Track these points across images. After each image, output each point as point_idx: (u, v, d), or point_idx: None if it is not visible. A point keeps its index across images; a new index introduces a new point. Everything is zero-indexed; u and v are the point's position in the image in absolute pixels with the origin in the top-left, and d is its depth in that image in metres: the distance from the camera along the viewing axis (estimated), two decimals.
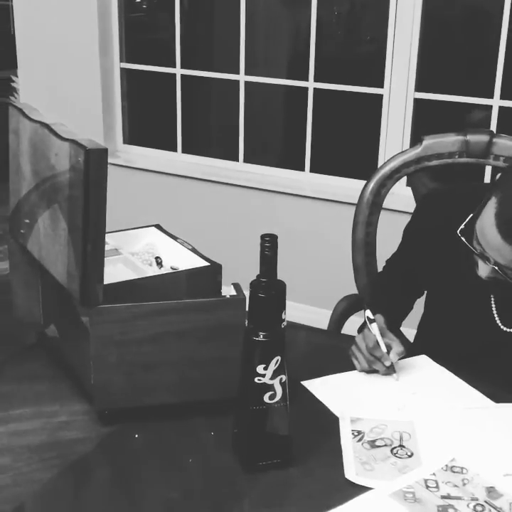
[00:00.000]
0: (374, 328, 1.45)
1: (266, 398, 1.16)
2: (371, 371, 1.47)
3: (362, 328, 1.52)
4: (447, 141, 1.90)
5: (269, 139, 4.08)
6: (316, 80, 3.20)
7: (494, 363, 1.51)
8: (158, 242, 1.51)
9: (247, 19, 3.34)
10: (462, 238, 1.41)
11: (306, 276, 3.35)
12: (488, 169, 2.92)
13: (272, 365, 1.15)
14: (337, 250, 2.84)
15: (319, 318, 2.38)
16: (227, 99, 3.51)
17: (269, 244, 1.29)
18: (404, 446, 1.26)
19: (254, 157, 3.51)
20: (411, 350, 1.68)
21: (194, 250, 1.44)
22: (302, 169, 3.36)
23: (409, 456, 1.24)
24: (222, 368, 1.28)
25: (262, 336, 1.15)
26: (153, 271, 1.40)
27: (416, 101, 3.01)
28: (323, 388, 1.43)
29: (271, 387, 1.16)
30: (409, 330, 1.81)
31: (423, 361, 1.55)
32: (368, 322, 1.46)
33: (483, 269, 1.40)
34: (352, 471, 1.19)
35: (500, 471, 1.20)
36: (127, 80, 3.68)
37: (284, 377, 1.16)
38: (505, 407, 1.39)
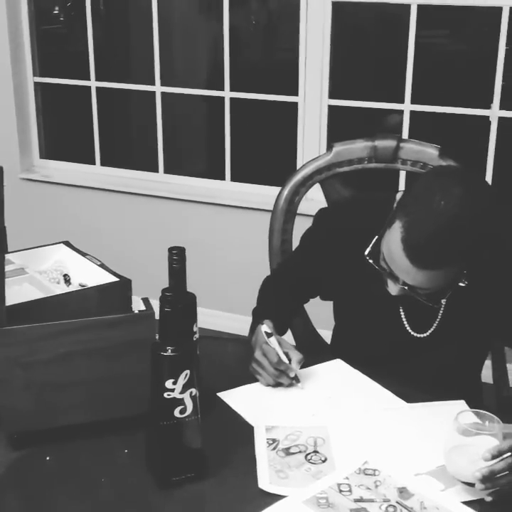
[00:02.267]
0: (273, 342, 1.46)
1: (176, 413, 1.15)
2: (276, 384, 1.47)
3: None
4: (356, 147, 1.93)
5: (190, 149, 4.08)
6: (236, 89, 3.21)
7: (406, 366, 1.54)
8: (66, 259, 1.48)
9: (165, 30, 3.33)
10: (370, 261, 1.43)
11: (230, 285, 3.35)
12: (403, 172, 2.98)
13: (181, 380, 1.14)
14: (258, 258, 2.86)
15: (244, 326, 2.38)
16: (146, 111, 3.49)
17: (176, 258, 1.29)
18: (318, 452, 1.27)
19: (177, 168, 3.50)
20: (328, 351, 1.71)
21: (103, 266, 1.42)
22: (223, 178, 3.37)
23: (323, 462, 1.25)
24: (133, 384, 1.26)
25: (169, 351, 1.14)
26: (61, 289, 1.38)
27: (333, 108, 3.05)
28: (238, 398, 1.43)
29: (181, 402, 1.15)
30: (325, 331, 1.84)
31: (338, 365, 1.57)
32: (265, 337, 1.46)
33: (393, 288, 1.42)
34: (265, 480, 1.19)
35: (412, 471, 1.23)
36: (43, 94, 3.62)
37: (194, 391, 1.16)
38: (417, 406, 1.42)
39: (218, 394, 1.44)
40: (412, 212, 1.31)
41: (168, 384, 1.14)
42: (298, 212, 1.98)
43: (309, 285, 1.70)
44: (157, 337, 1.19)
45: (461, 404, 1.40)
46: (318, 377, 1.52)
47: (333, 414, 1.39)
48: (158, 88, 3.33)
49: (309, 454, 1.27)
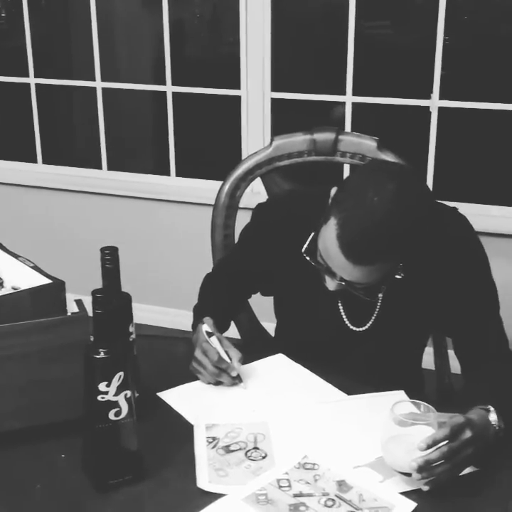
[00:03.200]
0: (214, 341, 1.45)
1: (111, 415, 1.14)
2: (217, 383, 1.46)
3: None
4: (296, 141, 1.93)
5: (135, 145, 4.03)
6: (182, 83, 3.18)
7: (347, 360, 1.54)
8: None
9: (106, 25, 3.28)
10: (307, 258, 1.43)
11: (178, 281, 3.33)
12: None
13: (115, 382, 1.13)
14: (205, 253, 2.84)
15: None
16: (89, 107, 3.44)
17: (109, 258, 1.27)
18: (258, 448, 1.27)
19: (121, 165, 3.45)
20: (272, 345, 1.70)
21: (36, 268, 1.39)
22: (168, 174, 3.34)
23: (263, 458, 1.25)
24: (69, 387, 1.24)
25: (102, 353, 1.12)
26: None
27: (280, 101, 3.04)
28: (178, 398, 1.42)
29: (116, 404, 1.13)
30: (271, 324, 1.83)
31: (279, 360, 1.57)
32: (206, 336, 1.45)
33: (330, 284, 1.42)
34: (205, 479, 1.18)
35: (351, 463, 1.23)
36: None
37: (129, 393, 1.14)
38: (356, 398, 1.43)
39: (158, 393, 1.43)
40: (346, 209, 1.31)
41: (102, 387, 1.12)
42: (243, 206, 1.97)
43: (248, 281, 1.70)
44: (92, 339, 1.17)
45: (400, 395, 1.41)
46: (260, 373, 1.51)
47: (273, 409, 1.38)
48: (98, 84, 3.29)
49: (249, 450, 1.26)
